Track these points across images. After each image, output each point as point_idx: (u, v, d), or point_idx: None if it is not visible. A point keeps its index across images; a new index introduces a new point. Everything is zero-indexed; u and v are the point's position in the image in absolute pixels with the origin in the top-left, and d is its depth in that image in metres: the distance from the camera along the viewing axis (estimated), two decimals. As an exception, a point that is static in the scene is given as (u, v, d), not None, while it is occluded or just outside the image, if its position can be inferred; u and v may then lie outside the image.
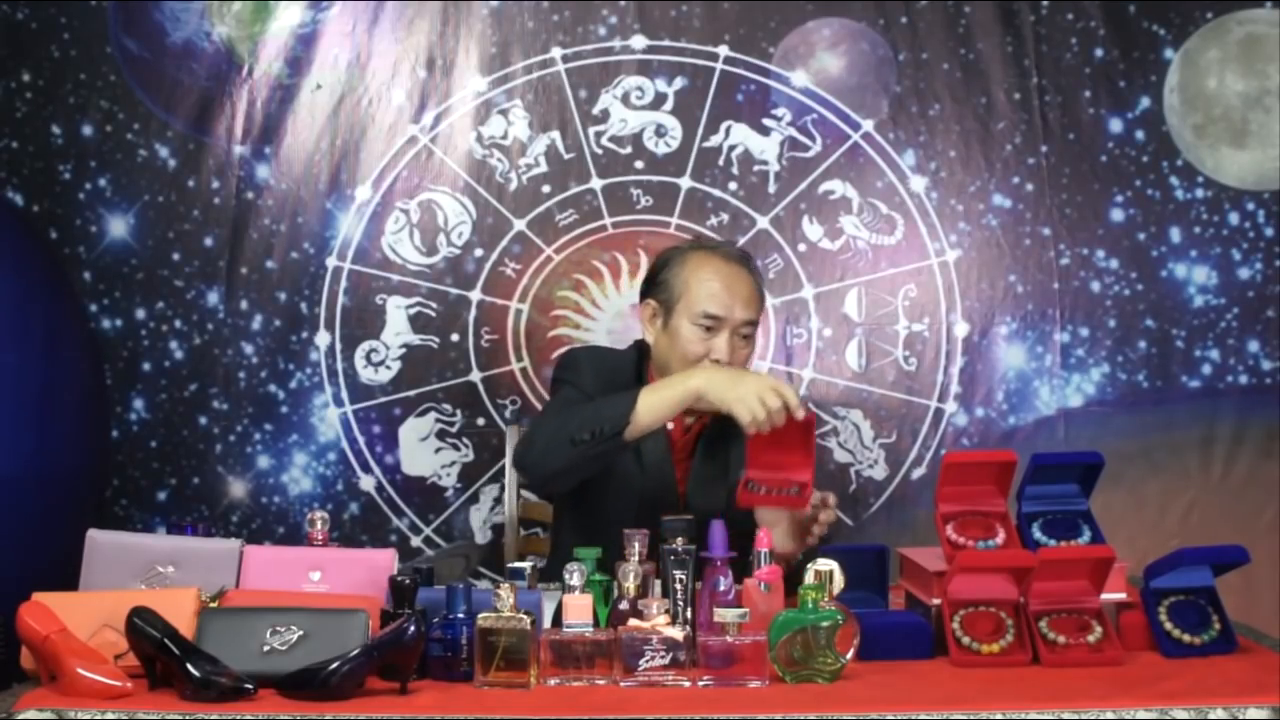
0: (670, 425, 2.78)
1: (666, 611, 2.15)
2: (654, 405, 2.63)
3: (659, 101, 3.67)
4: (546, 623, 2.21)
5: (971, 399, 3.66)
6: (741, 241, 3.63)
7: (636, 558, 2.25)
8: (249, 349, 3.62)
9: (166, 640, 2.05)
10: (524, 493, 3.47)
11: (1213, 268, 3.67)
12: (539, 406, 3.62)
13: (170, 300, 3.62)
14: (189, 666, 2.02)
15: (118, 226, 3.62)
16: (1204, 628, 2.30)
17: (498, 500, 3.60)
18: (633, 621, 2.13)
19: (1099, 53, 3.67)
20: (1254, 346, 3.66)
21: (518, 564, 2.46)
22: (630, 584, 2.20)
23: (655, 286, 2.87)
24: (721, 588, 2.25)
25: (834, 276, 3.66)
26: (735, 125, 3.67)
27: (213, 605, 2.19)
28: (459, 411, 3.63)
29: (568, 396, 2.80)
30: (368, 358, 3.64)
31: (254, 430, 3.62)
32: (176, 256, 3.63)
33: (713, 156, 3.67)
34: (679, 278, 2.82)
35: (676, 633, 2.11)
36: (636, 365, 2.90)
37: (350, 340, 3.64)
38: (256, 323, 3.63)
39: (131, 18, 3.63)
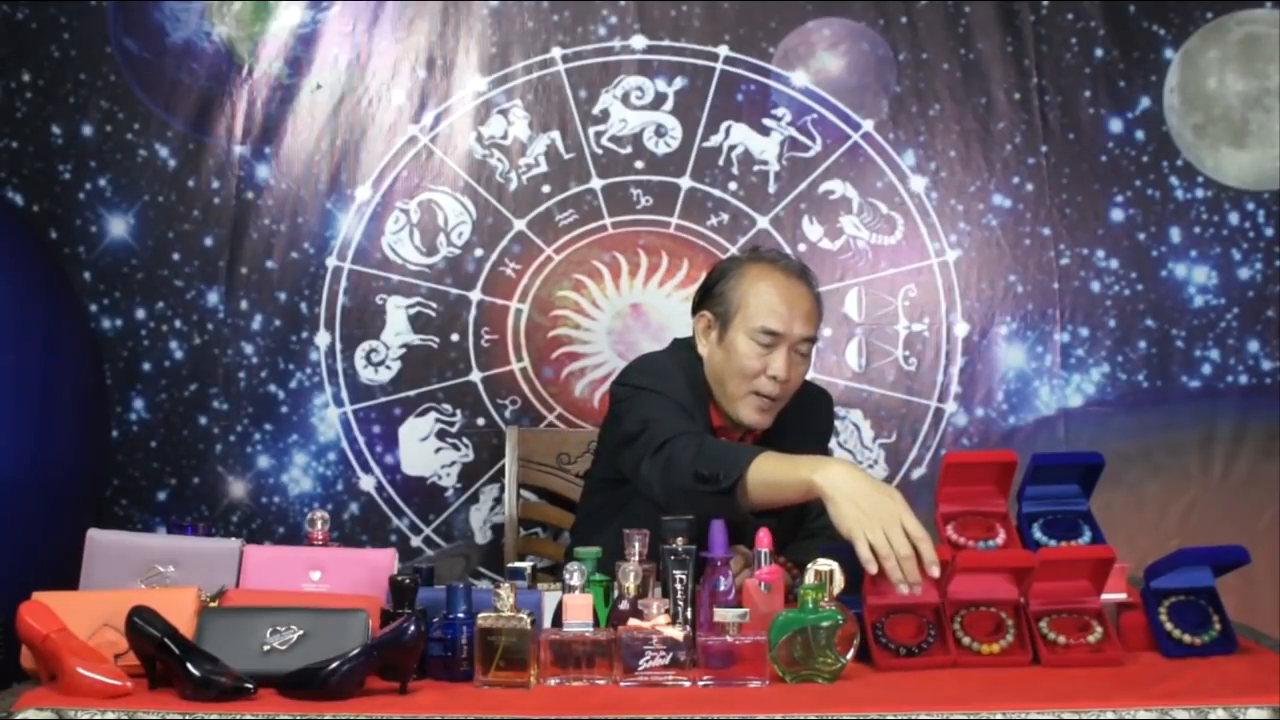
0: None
1: (666, 611, 2.15)
2: (769, 477, 2.42)
3: (659, 101, 3.67)
4: (546, 623, 2.21)
5: (971, 399, 3.66)
6: (741, 242, 3.63)
7: (636, 558, 2.25)
8: (249, 349, 3.62)
9: (166, 640, 2.05)
10: (524, 493, 3.48)
11: (1213, 268, 3.67)
12: (539, 406, 3.63)
13: (170, 300, 3.62)
14: (189, 666, 2.02)
15: (118, 226, 3.62)
16: (1204, 628, 2.30)
17: (498, 500, 3.60)
18: (633, 621, 2.13)
19: (1099, 53, 3.67)
20: (1254, 346, 3.66)
21: (518, 564, 2.47)
22: (630, 584, 2.20)
23: (711, 298, 2.79)
24: (721, 588, 2.25)
25: (834, 276, 3.66)
26: (735, 125, 3.67)
27: (213, 605, 2.20)
28: (459, 411, 3.63)
29: (669, 407, 2.66)
30: (368, 358, 3.63)
31: (254, 430, 3.62)
32: (176, 256, 3.63)
33: (713, 156, 3.67)
34: (736, 290, 2.75)
35: (676, 633, 2.11)
36: (701, 374, 2.80)
37: (350, 340, 3.64)
38: (256, 323, 3.63)
39: (131, 18, 3.63)
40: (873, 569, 2.22)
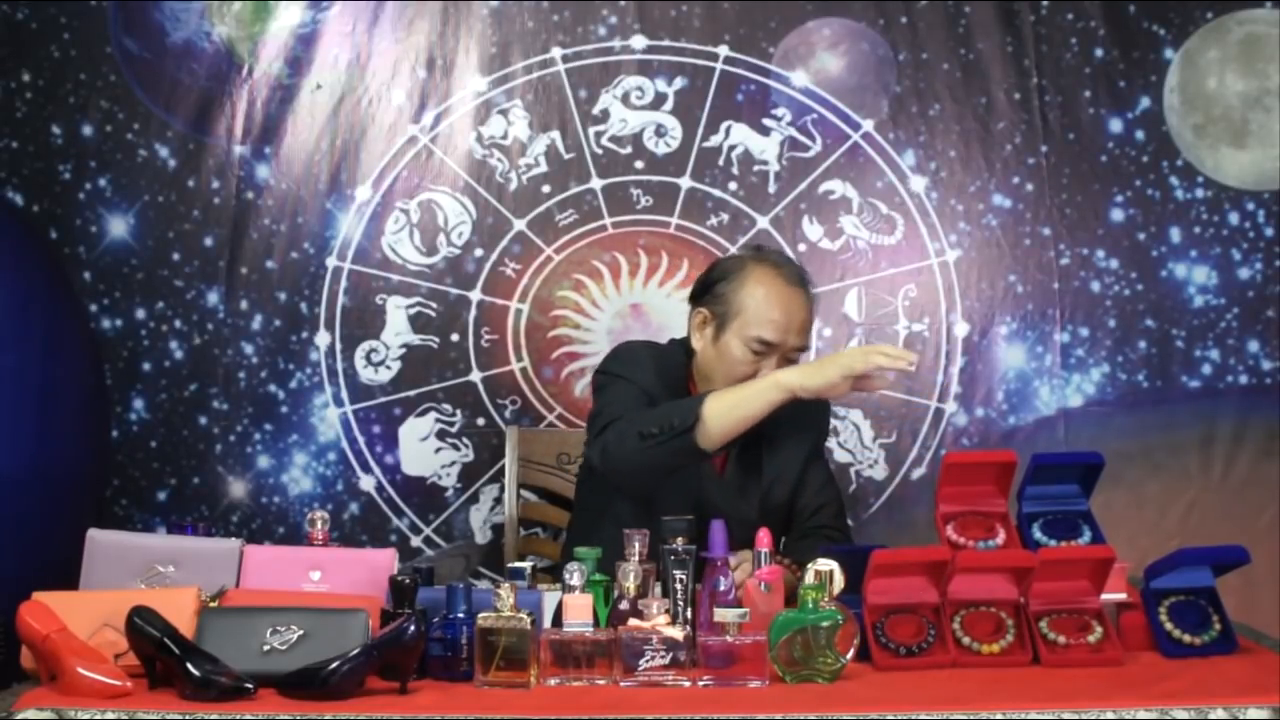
0: None
1: (666, 611, 2.15)
2: (734, 405, 2.58)
3: (659, 101, 3.67)
4: (546, 623, 2.21)
5: (971, 399, 3.66)
6: (741, 242, 3.63)
7: (636, 558, 2.25)
8: (249, 349, 3.62)
9: (166, 640, 2.05)
10: (524, 493, 3.48)
11: (1213, 268, 3.67)
12: (539, 406, 3.63)
13: (170, 300, 3.62)
14: (189, 666, 2.02)
15: (118, 226, 3.62)
16: (1204, 628, 2.30)
17: (498, 500, 3.60)
18: (633, 621, 2.13)
19: (1099, 53, 3.67)
20: (1254, 346, 3.66)
21: (518, 564, 2.47)
22: (630, 584, 2.20)
23: (710, 296, 2.82)
24: (721, 588, 2.25)
25: (834, 276, 3.66)
26: (735, 125, 3.67)
27: (213, 605, 2.20)
28: (459, 411, 3.63)
29: (630, 393, 2.74)
30: (368, 358, 3.63)
31: (254, 430, 3.61)
32: (176, 256, 3.63)
33: (713, 156, 3.67)
34: (737, 294, 2.78)
35: (676, 633, 2.11)
36: (686, 368, 2.86)
37: (350, 340, 3.63)
38: (256, 323, 3.62)
39: (131, 18, 3.63)
40: (861, 368, 2.56)
